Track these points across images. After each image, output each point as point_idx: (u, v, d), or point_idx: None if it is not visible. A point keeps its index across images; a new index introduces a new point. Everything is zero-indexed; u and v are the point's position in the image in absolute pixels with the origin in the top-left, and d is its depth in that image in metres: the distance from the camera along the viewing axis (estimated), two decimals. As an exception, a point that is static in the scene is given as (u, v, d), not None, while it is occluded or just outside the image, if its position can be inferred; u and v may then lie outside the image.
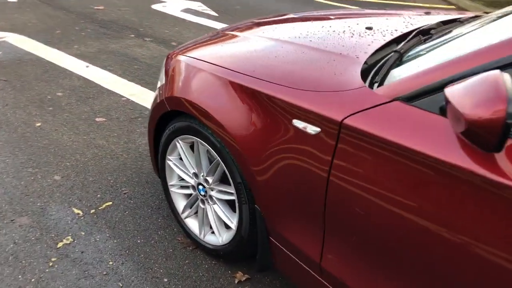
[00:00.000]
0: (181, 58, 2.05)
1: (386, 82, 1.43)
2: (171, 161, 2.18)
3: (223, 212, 2.01)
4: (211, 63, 1.88)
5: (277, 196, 1.67)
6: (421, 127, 1.24)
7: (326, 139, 1.45)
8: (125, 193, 2.60)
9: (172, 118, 2.11)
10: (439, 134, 1.21)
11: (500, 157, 1.10)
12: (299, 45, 1.87)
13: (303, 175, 1.55)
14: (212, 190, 2.02)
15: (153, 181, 2.71)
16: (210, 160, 2.01)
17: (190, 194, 2.18)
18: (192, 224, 2.21)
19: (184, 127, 1.98)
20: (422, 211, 1.23)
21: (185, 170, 2.13)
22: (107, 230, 2.31)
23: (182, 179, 2.21)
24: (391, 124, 1.29)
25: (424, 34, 1.81)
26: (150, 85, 4.07)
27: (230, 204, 2.03)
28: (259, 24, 2.31)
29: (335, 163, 1.43)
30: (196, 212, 2.20)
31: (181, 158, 2.16)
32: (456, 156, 1.14)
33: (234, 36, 2.17)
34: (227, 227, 2.07)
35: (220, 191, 1.99)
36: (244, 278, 2.06)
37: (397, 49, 1.63)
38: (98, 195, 2.57)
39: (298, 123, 1.53)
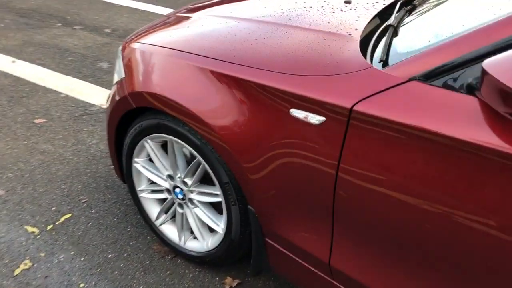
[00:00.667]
0: (144, 47, 1.80)
1: (392, 61, 1.29)
2: (138, 163, 1.94)
3: (206, 215, 1.82)
4: (183, 51, 1.65)
5: (274, 195, 1.51)
6: (446, 108, 1.12)
7: (332, 129, 1.29)
8: (84, 202, 2.32)
9: (136, 116, 1.86)
10: (469, 115, 1.09)
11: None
12: (278, 24, 1.69)
13: (305, 171, 1.39)
14: (191, 193, 1.82)
15: (113, 186, 2.45)
16: (187, 160, 1.80)
17: (165, 199, 1.96)
18: (169, 230, 2.00)
19: (154, 125, 1.75)
20: (460, 205, 1.11)
21: (157, 173, 1.91)
22: (71, 247, 2.04)
23: (153, 183, 1.98)
24: (411, 107, 1.16)
25: (409, 4, 1.69)
26: (90, 78, 3.72)
27: (214, 206, 1.84)
28: (222, 3, 2.09)
29: (345, 154, 1.29)
30: (173, 218, 1.99)
31: (150, 160, 1.93)
32: (497, 140, 1.03)
33: (199, 19, 1.94)
34: (212, 230, 1.88)
35: (202, 193, 1.79)
36: (235, 284, 1.89)
37: (391, 23, 1.50)
38: (53, 208, 2.27)
39: (297, 113, 1.36)
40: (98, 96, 3.41)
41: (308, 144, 1.36)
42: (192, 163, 1.73)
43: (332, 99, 1.27)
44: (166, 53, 1.69)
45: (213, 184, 1.75)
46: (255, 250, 1.69)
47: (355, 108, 1.23)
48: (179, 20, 2.00)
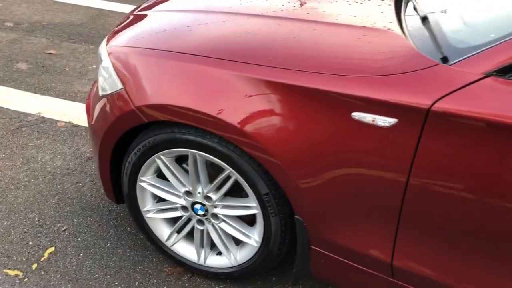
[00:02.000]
0: (151, 53, 1.58)
1: (456, 56, 1.27)
2: (145, 182, 1.73)
3: (235, 229, 1.69)
4: (209, 57, 1.48)
5: (330, 203, 1.44)
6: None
7: (406, 130, 1.25)
8: (63, 230, 2.04)
9: (138, 131, 1.66)
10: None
11: None
12: (300, 20, 1.59)
13: (371, 175, 1.34)
14: (215, 208, 1.68)
15: (90, 206, 2.18)
16: (210, 173, 1.65)
17: (178, 217, 1.78)
18: (184, 249, 1.84)
19: (171, 140, 1.57)
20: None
21: (170, 190, 1.72)
22: (70, 286, 1.78)
23: (162, 201, 1.79)
24: (497, 104, 1.16)
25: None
26: (11, 83, 3.24)
27: (241, 217, 1.71)
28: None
29: (419, 156, 1.25)
30: (188, 234, 1.82)
31: (158, 176, 1.74)
32: None
33: (195, 14, 1.75)
34: (237, 243, 1.76)
35: (230, 207, 1.66)
36: None
37: (427, 14, 1.49)
38: (30, 243, 1.96)
39: (361, 116, 1.29)
40: (31, 103, 2.99)
41: (374, 147, 1.31)
42: (221, 176, 1.59)
43: (407, 100, 1.23)
44: (188, 60, 1.50)
45: (243, 196, 1.63)
46: (299, 258, 1.62)
47: (433, 107, 1.20)
48: (171, 17, 1.79)
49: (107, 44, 1.76)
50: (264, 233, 1.62)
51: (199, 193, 1.67)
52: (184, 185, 1.68)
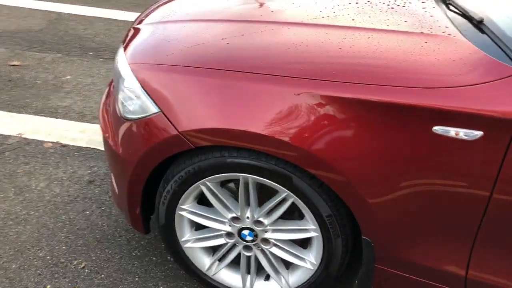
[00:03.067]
0: (186, 71, 1.43)
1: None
2: (185, 210, 1.59)
3: (289, 253, 1.59)
4: (259, 73, 1.35)
5: (404, 222, 1.37)
6: None
7: (491, 143, 1.20)
8: (82, 267, 1.85)
9: (174, 157, 1.51)
10: None
11: None
12: (348, 28, 1.49)
13: (451, 192, 1.28)
14: (265, 232, 1.56)
15: (106, 237, 1.99)
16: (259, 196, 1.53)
17: (222, 245, 1.65)
18: (227, 276, 1.71)
19: (220, 164, 1.44)
20: None
21: (215, 217, 1.59)
22: (106, 332, 1.61)
23: (201, 229, 1.65)
24: None
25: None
26: (-21, 101, 2.94)
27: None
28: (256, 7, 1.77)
29: (505, 170, 1.21)
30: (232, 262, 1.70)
31: (198, 203, 1.60)
32: None
33: (223, 25, 1.62)
34: (287, 267, 1.66)
35: (283, 230, 1.55)
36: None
37: (482, 17, 1.44)
38: (48, 286, 1.76)
39: (444, 130, 1.22)
40: (7, 123, 2.72)
41: (457, 162, 1.24)
42: (276, 200, 1.47)
43: (493, 110, 1.17)
44: (239, 78, 1.36)
45: (294, 218, 1.53)
46: (363, 277, 1.54)
47: (531, 117, 1.15)
48: (196, 29, 1.64)
49: (127, 61, 1.58)
50: (323, 256, 1.53)
51: (247, 218, 1.55)
52: (230, 211, 1.55)
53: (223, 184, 1.57)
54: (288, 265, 1.65)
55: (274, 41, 1.48)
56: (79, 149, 2.53)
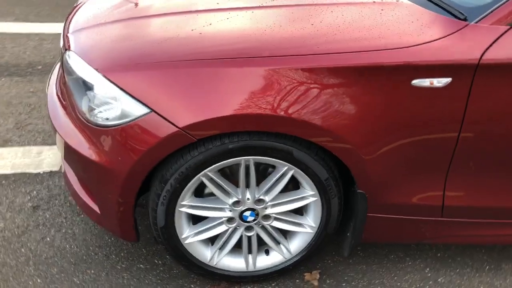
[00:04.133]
0: (171, 65, 1.43)
1: (476, 15, 1.48)
2: (185, 206, 1.59)
3: (289, 222, 1.69)
4: (242, 57, 1.41)
5: (393, 170, 1.56)
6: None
7: (459, 86, 1.43)
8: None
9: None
10: None
11: None
12: (311, 5, 1.62)
13: (429, 134, 1.50)
14: (266, 209, 1.64)
15: (80, 257, 1.88)
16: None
17: (221, 233, 1.68)
18: (230, 262, 1.75)
19: (222, 152, 1.47)
20: None
21: (215, 205, 1.62)
22: None
23: (198, 222, 1.67)
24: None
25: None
26: None
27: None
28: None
29: (471, 104, 1.45)
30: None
31: (196, 196, 1.61)
32: None
33: (186, 16, 1.62)
34: (286, 236, 1.76)
35: (283, 203, 1.64)
36: (318, 276, 1.85)
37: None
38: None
39: (420, 82, 1.43)
40: None
41: (433, 107, 1.46)
42: (277, 175, 1.56)
43: (458, 58, 1.40)
44: (226, 65, 1.41)
45: (289, 190, 1.63)
46: (356, 228, 1.70)
47: (482, 60, 1.40)
48: (159, 23, 1.62)
49: (95, 67, 1.51)
50: (322, 217, 1.66)
51: (248, 199, 1.60)
52: (231, 196, 1.59)
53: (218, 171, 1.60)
54: (285, 235, 1.75)
55: (245, 25, 1.54)
56: (6, 177, 2.28)
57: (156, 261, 1.88)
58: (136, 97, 1.44)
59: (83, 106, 1.55)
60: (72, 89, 1.61)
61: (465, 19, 1.48)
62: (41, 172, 2.31)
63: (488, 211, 1.67)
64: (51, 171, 2.32)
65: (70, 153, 1.65)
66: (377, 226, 1.72)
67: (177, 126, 1.40)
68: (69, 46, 1.67)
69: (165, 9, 1.72)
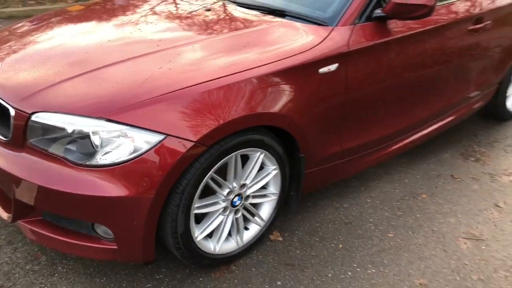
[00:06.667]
0: (165, 98, 1.80)
1: (330, 20, 2.30)
2: (197, 208, 1.95)
3: (263, 195, 2.21)
4: (221, 77, 1.90)
5: (317, 133, 2.25)
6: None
7: (342, 68, 2.23)
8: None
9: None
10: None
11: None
12: (235, 36, 2.18)
13: (330, 102, 2.25)
14: (247, 190, 2.13)
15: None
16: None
17: (217, 226, 2.09)
18: (225, 246, 2.15)
19: (221, 153, 1.90)
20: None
21: (215, 200, 2.02)
22: None
23: (201, 220, 2.04)
24: (372, 33, 2.31)
25: None
26: None
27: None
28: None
29: (349, 80, 2.27)
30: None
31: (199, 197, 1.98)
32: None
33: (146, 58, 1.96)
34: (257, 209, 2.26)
35: (257, 182, 2.15)
36: (280, 237, 2.40)
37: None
38: None
39: (323, 70, 2.16)
40: None
41: (331, 83, 2.21)
42: (254, 161, 2.07)
43: (338, 49, 2.19)
44: (211, 86, 1.87)
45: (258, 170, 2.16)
46: (298, 186, 2.32)
47: (350, 48, 2.23)
48: (124, 70, 1.91)
49: (96, 115, 1.73)
50: (281, 183, 2.23)
51: (235, 187, 2.06)
52: (224, 188, 2.02)
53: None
54: (257, 208, 2.25)
55: (202, 55, 2.00)
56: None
57: (157, 276, 2.11)
58: (149, 129, 1.74)
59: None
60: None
61: (328, 25, 2.28)
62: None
63: (370, 143, 2.54)
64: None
65: (78, 204, 1.77)
66: (311, 179, 2.38)
67: (192, 141, 1.77)
68: (34, 108, 1.80)
69: (115, 59, 1.99)
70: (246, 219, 2.21)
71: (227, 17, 2.42)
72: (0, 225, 2.38)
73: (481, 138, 3.55)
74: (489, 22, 2.99)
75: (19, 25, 2.66)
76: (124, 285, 2.06)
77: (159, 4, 2.75)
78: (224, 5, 2.58)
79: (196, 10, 2.53)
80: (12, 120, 1.86)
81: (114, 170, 1.74)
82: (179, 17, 2.49)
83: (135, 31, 2.30)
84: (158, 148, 1.75)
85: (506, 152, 3.34)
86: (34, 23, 2.64)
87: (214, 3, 2.62)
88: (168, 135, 1.76)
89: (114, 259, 1.92)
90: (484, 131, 3.66)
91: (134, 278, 2.10)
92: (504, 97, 3.63)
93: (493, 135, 3.59)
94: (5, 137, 1.93)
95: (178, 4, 2.75)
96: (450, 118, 3.15)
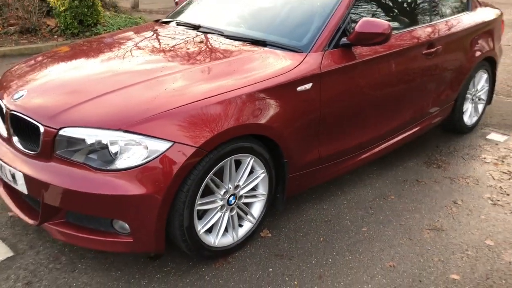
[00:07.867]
0: (172, 113, 2.19)
1: (304, 46, 2.74)
2: (200, 204, 2.31)
3: (253, 196, 2.58)
4: (216, 95, 2.30)
5: (298, 142, 2.65)
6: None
7: (316, 85, 2.66)
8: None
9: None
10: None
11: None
12: (223, 63, 2.60)
13: (307, 116, 2.67)
14: (241, 191, 2.50)
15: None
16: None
17: (216, 221, 2.44)
18: (223, 240, 2.50)
19: (218, 157, 2.28)
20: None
21: (213, 199, 2.38)
22: None
23: (202, 215, 2.40)
24: (341, 57, 2.76)
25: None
26: None
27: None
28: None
29: (322, 97, 2.71)
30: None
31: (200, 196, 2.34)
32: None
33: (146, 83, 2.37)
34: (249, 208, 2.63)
35: (248, 183, 2.53)
36: (269, 234, 2.77)
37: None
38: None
39: (300, 88, 2.59)
40: None
41: (308, 100, 2.64)
42: (245, 165, 2.45)
43: (312, 71, 2.63)
44: (212, 101, 2.26)
45: (249, 175, 2.54)
46: (283, 189, 2.70)
47: (321, 70, 2.67)
48: (125, 95, 2.30)
49: (116, 128, 2.11)
50: (269, 185, 2.61)
51: (230, 187, 2.43)
52: (221, 188, 2.39)
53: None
54: (249, 207, 2.62)
55: (203, 77, 2.41)
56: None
57: (164, 269, 2.44)
58: (160, 137, 2.12)
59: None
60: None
61: (303, 52, 2.72)
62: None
63: (344, 152, 2.96)
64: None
65: (100, 203, 2.12)
66: (294, 182, 2.77)
67: (195, 146, 2.16)
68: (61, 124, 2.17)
69: (128, 83, 2.38)
70: (240, 218, 2.57)
71: (220, 47, 2.84)
72: (22, 233, 2.68)
73: (442, 148, 4.01)
74: (439, 46, 3.49)
75: (31, 62, 3.02)
76: (137, 276, 2.39)
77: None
78: (216, 37, 3.01)
79: (193, 40, 2.95)
80: (41, 136, 2.22)
81: (131, 173, 2.11)
82: (180, 48, 2.89)
83: (148, 61, 2.70)
84: (168, 153, 2.12)
85: (464, 160, 3.80)
86: (47, 56, 3.02)
87: (207, 38, 3.05)
88: (175, 142, 2.14)
89: (130, 251, 2.25)
90: (445, 142, 4.12)
91: (145, 271, 2.43)
92: (460, 113, 4.11)
93: (452, 146, 4.06)
94: (32, 151, 2.28)
95: (175, 36, 3.17)
96: (413, 130, 3.60)
